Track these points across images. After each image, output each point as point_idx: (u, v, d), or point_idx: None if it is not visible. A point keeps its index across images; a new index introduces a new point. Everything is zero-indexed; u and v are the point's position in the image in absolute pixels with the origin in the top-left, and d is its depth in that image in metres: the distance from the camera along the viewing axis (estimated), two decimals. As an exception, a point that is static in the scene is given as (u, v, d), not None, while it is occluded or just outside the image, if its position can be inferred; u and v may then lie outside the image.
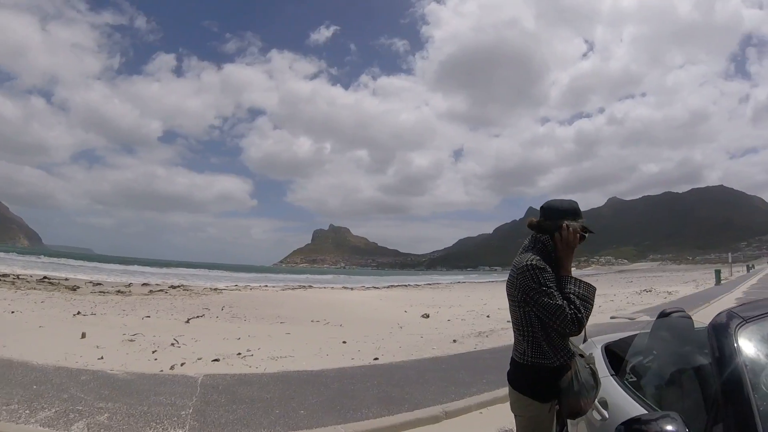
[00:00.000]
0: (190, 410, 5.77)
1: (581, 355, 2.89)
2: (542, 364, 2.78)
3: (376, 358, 9.72)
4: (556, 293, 2.68)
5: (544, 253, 2.86)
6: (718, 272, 43.37)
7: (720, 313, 2.27)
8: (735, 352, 1.98)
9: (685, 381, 2.80)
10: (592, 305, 2.75)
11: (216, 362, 8.88)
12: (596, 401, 2.89)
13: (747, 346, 2.03)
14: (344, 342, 12.12)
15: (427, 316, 19.51)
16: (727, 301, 23.44)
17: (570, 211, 2.91)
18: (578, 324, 2.64)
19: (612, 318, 17.24)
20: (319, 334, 13.94)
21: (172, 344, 10.39)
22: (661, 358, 3.14)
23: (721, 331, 2.10)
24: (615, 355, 3.64)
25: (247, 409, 5.97)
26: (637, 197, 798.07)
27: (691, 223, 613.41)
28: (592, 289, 2.80)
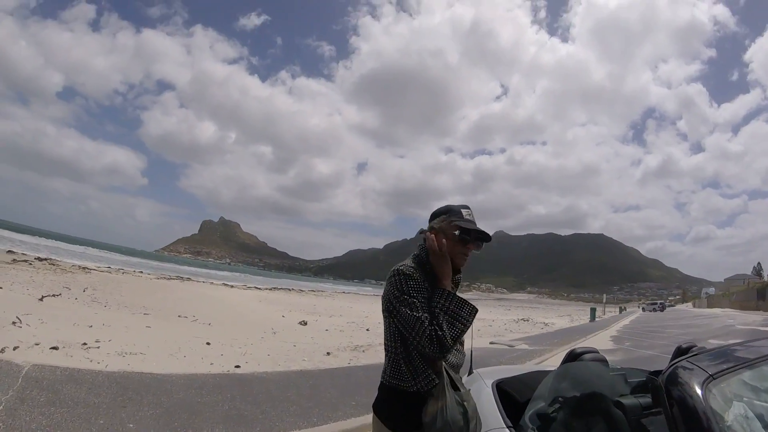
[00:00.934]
0: (0, 407, 4.82)
1: (456, 388, 2.34)
2: (399, 388, 2.37)
3: (237, 366, 8.76)
4: (419, 304, 2.29)
5: (421, 261, 2.49)
6: (593, 310, 45.95)
7: (673, 365, 1.83)
8: (711, 421, 1.55)
9: None
10: (465, 326, 2.33)
11: (54, 351, 7.73)
12: None
13: (724, 412, 1.65)
14: (208, 343, 10.99)
15: (305, 324, 18.60)
16: (603, 336, 24.50)
17: (442, 211, 2.57)
18: (438, 343, 2.21)
19: (491, 343, 17.25)
20: (183, 332, 12.69)
21: (14, 323, 9.24)
22: (569, 407, 2.44)
23: (683, 392, 1.68)
24: (509, 397, 3.01)
25: (66, 414, 4.95)
26: (523, 234, 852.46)
27: (570, 263, 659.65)
28: (467, 309, 2.36)
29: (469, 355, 3.76)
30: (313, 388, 7.51)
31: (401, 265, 2.42)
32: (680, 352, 3.08)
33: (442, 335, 2.19)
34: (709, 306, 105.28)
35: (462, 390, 2.35)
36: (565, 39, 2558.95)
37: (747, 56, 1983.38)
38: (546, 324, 35.59)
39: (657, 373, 3.22)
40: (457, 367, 2.46)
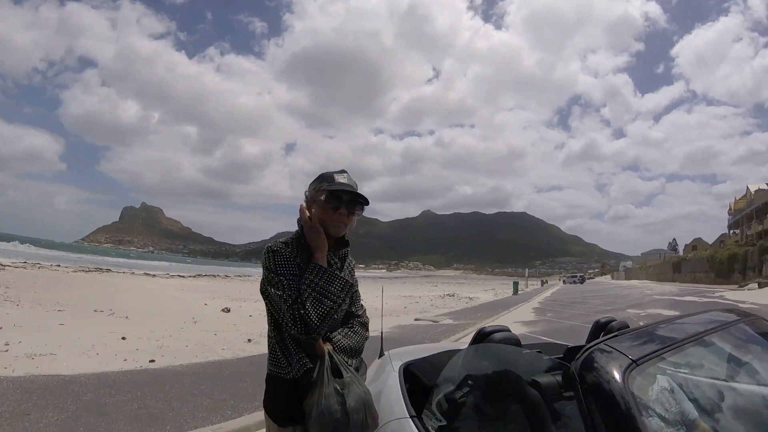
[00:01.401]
0: None
1: (339, 375, 2.15)
2: (278, 376, 2.21)
3: (152, 360, 8.40)
4: (285, 283, 2.14)
5: (299, 237, 2.33)
6: (516, 284, 46.88)
7: (589, 349, 1.62)
8: (634, 412, 1.38)
9: (512, 424, 2.06)
10: (335, 303, 2.18)
11: (-42, 359, 7.14)
12: None
13: (648, 390, 1.53)
14: (123, 338, 10.47)
15: (228, 311, 18.10)
16: (526, 308, 25.09)
17: (316, 179, 2.37)
18: (301, 323, 2.06)
19: (416, 320, 17.44)
20: (98, 327, 11.93)
21: None
22: (480, 391, 2.25)
23: (600, 379, 1.48)
24: (418, 381, 2.77)
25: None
26: (449, 213, 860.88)
27: (494, 240, 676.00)
28: (338, 284, 2.21)
29: (380, 336, 3.55)
30: (229, 379, 7.24)
31: (273, 243, 2.27)
32: (599, 326, 2.95)
33: (305, 314, 2.04)
34: (627, 278, 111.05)
35: (347, 376, 2.16)
36: (499, 26, 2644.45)
37: (674, 51, 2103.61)
38: (471, 298, 36.27)
39: (576, 350, 3.17)
40: (351, 351, 2.28)
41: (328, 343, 2.20)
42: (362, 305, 2.55)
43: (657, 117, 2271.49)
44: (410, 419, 2.28)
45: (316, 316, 2.07)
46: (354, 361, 2.29)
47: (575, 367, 1.57)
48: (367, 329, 2.48)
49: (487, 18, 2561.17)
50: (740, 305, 21.63)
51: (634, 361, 1.54)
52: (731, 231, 77.32)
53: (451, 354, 2.91)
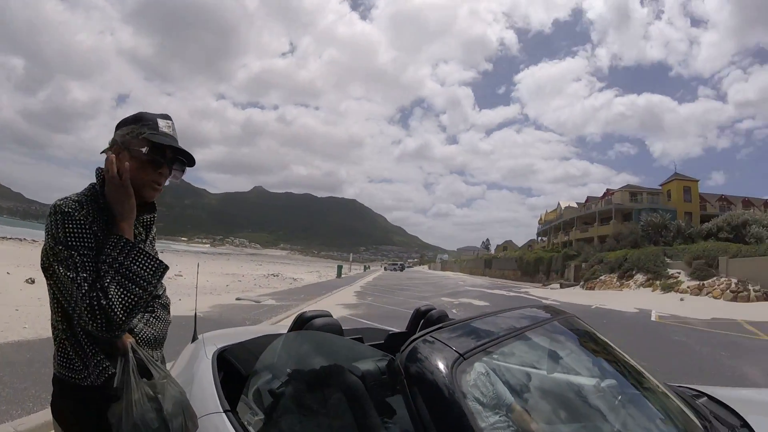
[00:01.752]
0: None
1: (148, 375, 1.68)
2: (71, 381, 1.65)
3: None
4: (79, 260, 1.55)
5: (95, 195, 1.72)
6: (340, 267, 48.16)
7: (414, 340, 1.61)
8: (461, 405, 1.39)
9: (333, 417, 1.84)
10: (145, 290, 1.63)
11: None
12: None
13: (474, 392, 1.52)
14: None
15: (33, 282, 15.65)
16: (348, 291, 25.52)
17: (129, 120, 1.80)
18: (102, 317, 1.51)
19: (238, 299, 16.74)
20: None
21: None
22: (300, 380, 1.99)
23: (428, 374, 1.47)
24: (234, 370, 2.46)
25: None
26: (281, 192, 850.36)
27: (323, 223, 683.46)
28: (150, 266, 1.67)
29: (194, 317, 3.13)
30: (31, 364, 6.06)
31: (62, 200, 1.64)
32: (419, 314, 2.98)
33: (106, 306, 1.50)
34: (443, 269, 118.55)
35: (157, 375, 1.70)
36: (364, 17, 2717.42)
37: (517, 77, 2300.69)
38: (295, 279, 36.22)
39: (398, 336, 2.96)
40: (155, 341, 1.82)
41: (129, 336, 1.68)
42: (162, 283, 1.97)
43: (489, 131, 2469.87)
44: (224, 414, 1.94)
45: (122, 309, 1.53)
46: (158, 353, 1.83)
47: (400, 360, 1.54)
48: (169, 312, 1.99)
49: (355, 6, 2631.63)
50: (543, 300, 23.76)
51: (461, 354, 1.54)
52: (539, 238, 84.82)
53: (269, 339, 2.61)
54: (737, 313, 18.54)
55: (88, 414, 1.64)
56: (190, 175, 1.74)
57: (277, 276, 39.08)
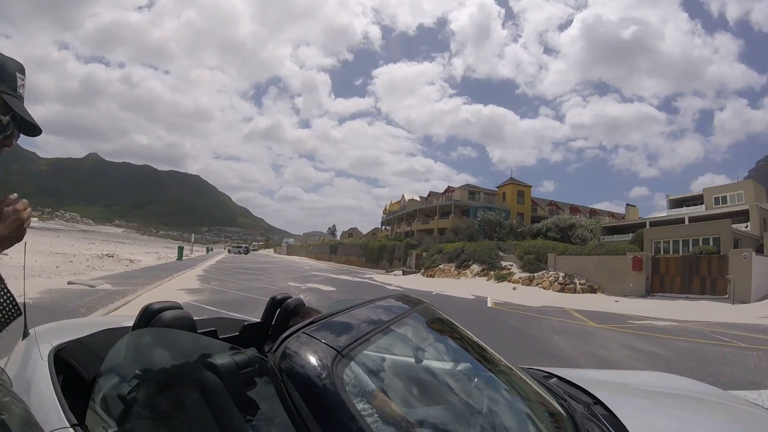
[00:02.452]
0: None
1: None
2: None
3: None
4: None
5: None
6: (181, 248, 45.76)
7: (287, 338, 1.55)
8: (350, 409, 1.37)
9: (192, 419, 1.66)
10: None
11: None
12: None
13: (351, 387, 1.58)
14: None
15: None
16: (190, 275, 24.43)
17: None
18: None
19: (70, 283, 15.36)
20: None
21: None
22: (151, 383, 1.75)
23: (310, 374, 1.42)
24: (74, 373, 2.12)
25: None
26: (118, 161, 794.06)
27: (163, 200, 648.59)
28: None
29: (22, 308, 2.64)
30: None
31: None
32: (275, 303, 2.90)
33: None
34: (289, 254, 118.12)
35: None
36: None
37: (375, 72, 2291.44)
38: (132, 261, 33.99)
39: (253, 327, 2.87)
40: None
41: None
42: None
43: (342, 120, 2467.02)
44: (71, 429, 1.69)
45: None
46: None
47: (274, 360, 1.47)
48: None
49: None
50: (387, 286, 24.38)
51: (339, 351, 1.51)
52: (383, 227, 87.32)
53: (110, 334, 2.44)
54: (565, 302, 20.49)
55: None
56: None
57: (113, 257, 36.44)
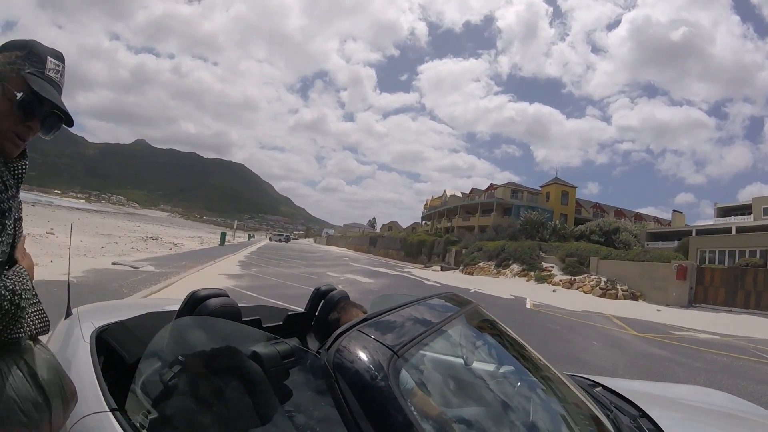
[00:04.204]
0: None
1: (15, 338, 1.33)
2: None
3: None
4: None
5: None
6: (224, 234, 46.40)
7: (341, 335, 1.46)
8: (405, 410, 1.31)
9: (232, 406, 1.68)
10: (16, 309, 1.29)
11: None
12: None
13: (410, 387, 1.55)
14: None
15: None
16: (232, 261, 24.74)
17: (16, 44, 1.40)
18: None
19: (114, 264, 15.67)
20: None
21: None
22: (194, 369, 1.77)
23: (363, 372, 1.36)
24: (115, 356, 2.10)
25: None
26: (165, 147, 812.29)
27: (207, 186, 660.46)
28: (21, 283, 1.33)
29: (66, 287, 2.61)
30: None
31: None
32: (319, 295, 2.86)
33: (17, 299, 1.26)
34: (328, 244, 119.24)
35: (23, 336, 1.36)
36: None
37: (421, 68, 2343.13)
38: (176, 244, 34.70)
39: (297, 318, 2.84)
40: (20, 299, 1.33)
41: None
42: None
43: (386, 114, 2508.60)
44: (110, 413, 1.65)
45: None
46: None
47: (328, 358, 1.39)
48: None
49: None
50: (426, 281, 24.27)
51: (394, 352, 1.47)
52: (423, 222, 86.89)
53: (154, 317, 2.43)
54: (606, 307, 20.03)
55: None
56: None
57: (157, 239, 37.34)
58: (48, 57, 1.41)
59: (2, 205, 1.35)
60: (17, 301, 1.28)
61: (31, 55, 1.38)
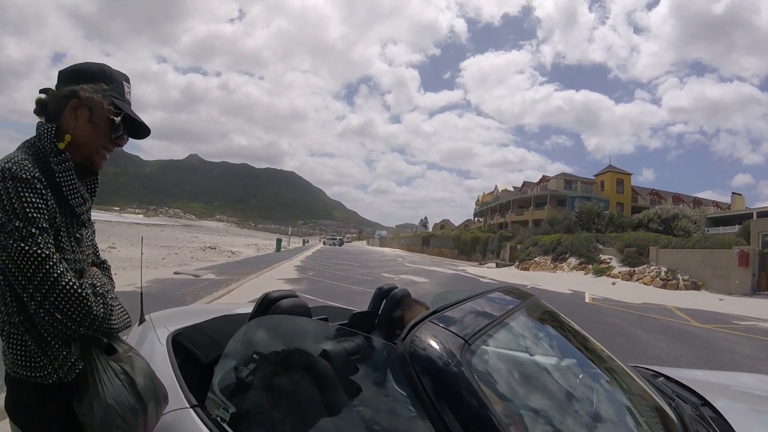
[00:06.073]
0: None
1: (110, 350, 1.52)
2: (32, 381, 1.41)
3: None
4: (41, 236, 1.33)
5: (43, 155, 1.45)
6: (279, 240, 47.29)
7: (416, 326, 1.55)
8: (479, 394, 1.37)
9: (303, 401, 1.78)
10: (106, 313, 1.45)
11: None
12: None
13: (481, 376, 1.50)
14: None
15: None
16: (288, 266, 25.07)
17: (93, 72, 1.57)
18: (79, 308, 1.36)
19: (176, 273, 16.20)
20: None
21: None
22: (268, 367, 1.88)
23: (438, 360, 1.43)
24: (192, 357, 2.22)
25: None
26: (218, 161, 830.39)
27: (261, 195, 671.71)
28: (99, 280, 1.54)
29: (140, 295, 2.84)
30: None
31: (10, 161, 1.36)
32: (382, 293, 2.97)
33: (86, 297, 1.36)
34: (381, 245, 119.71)
35: (121, 349, 1.54)
36: None
37: (463, 64, 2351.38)
38: (233, 252, 35.55)
39: (361, 316, 2.94)
40: (113, 309, 1.51)
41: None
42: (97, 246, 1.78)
43: (432, 113, 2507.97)
44: (191, 409, 1.76)
45: (100, 304, 1.41)
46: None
47: (404, 347, 1.47)
48: (111, 278, 1.75)
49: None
50: (481, 279, 24.11)
51: (465, 340, 1.53)
52: (476, 218, 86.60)
53: (226, 320, 2.59)
54: (667, 299, 19.37)
55: (56, 415, 1.44)
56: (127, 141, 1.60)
57: (215, 249, 38.36)
58: (123, 81, 1.63)
59: (82, 217, 1.56)
60: (100, 291, 1.46)
61: (112, 82, 1.58)
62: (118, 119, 1.54)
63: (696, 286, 24.42)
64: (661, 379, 2.74)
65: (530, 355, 2.18)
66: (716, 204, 64.86)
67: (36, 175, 1.35)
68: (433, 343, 1.48)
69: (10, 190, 1.31)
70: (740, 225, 33.10)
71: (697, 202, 63.30)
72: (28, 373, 1.41)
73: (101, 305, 1.42)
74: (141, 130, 1.68)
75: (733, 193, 56.55)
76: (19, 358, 1.41)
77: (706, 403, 2.36)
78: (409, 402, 1.45)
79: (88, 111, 1.51)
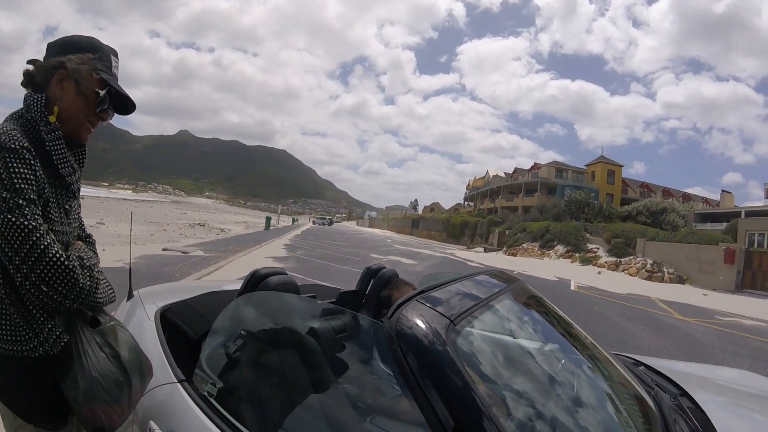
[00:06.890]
0: None
1: (94, 323, 1.53)
2: (17, 355, 1.40)
3: None
4: (28, 208, 1.32)
5: (32, 125, 1.45)
6: (268, 219, 46.92)
7: (402, 305, 1.55)
8: (463, 374, 1.38)
9: (290, 378, 1.83)
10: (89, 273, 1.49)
11: None
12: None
13: (466, 355, 1.54)
14: None
15: None
16: (278, 244, 25.14)
17: (82, 44, 1.58)
18: (65, 279, 1.36)
19: (164, 249, 16.10)
20: None
21: None
22: (255, 343, 1.90)
23: (423, 339, 1.45)
24: (180, 332, 2.22)
25: None
26: (209, 137, 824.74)
27: (251, 173, 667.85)
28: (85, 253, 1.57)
29: (128, 270, 2.75)
30: None
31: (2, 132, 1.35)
32: (370, 273, 3.01)
33: (72, 269, 1.36)
34: (371, 226, 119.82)
35: (104, 320, 1.55)
36: None
37: (460, 48, 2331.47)
38: (222, 230, 35.42)
39: (349, 295, 3.08)
40: (91, 289, 1.47)
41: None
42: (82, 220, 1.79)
43: (426, 96, 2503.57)
44: (179, 384, 1.81)
45: (90, 277, 1.43)
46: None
47: (390, 325, 1.47)
48: (96, 252, 1.74)
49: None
50: (469, 263, 24.25)
51: (451, 320, 1.55)
52: (466, 203, 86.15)
53: (214, 296, 2.62)
54: (652, 291, 19.65)
55: (41, 388, 1.45)
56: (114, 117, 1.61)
57: (204, 226, 38.23)
58: (111, 56, 1.63)
59: (73, 186, 1.58)
60: (87, 263, 1.49)
61: (100, 55, 1.58)
62: (103, 92, 1.55)
63: (681, 280, 24.82)
64: (642, 368, 2.80)
65: (514, 337, 2.20)
66: (706, 200, 65.21)
67: (25, 145, 1.35)
68: (419, 322, 1.49)
69: (5, 160, 1.31)
70: (728, 222, 33.34)
71: (687, 198, 63.48)
72: (14, 347, 1.40)
73: (87, 278, 1.43)
74: (127, 106, 1.68)
75: (722, 190, 57.06)
76: (4, 331, 1.40)
77: (685, 394, 2.41)
78: (395, 380, 1.48)
79: (74, 83, 1.52)
